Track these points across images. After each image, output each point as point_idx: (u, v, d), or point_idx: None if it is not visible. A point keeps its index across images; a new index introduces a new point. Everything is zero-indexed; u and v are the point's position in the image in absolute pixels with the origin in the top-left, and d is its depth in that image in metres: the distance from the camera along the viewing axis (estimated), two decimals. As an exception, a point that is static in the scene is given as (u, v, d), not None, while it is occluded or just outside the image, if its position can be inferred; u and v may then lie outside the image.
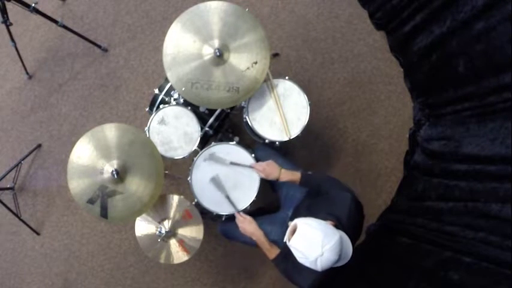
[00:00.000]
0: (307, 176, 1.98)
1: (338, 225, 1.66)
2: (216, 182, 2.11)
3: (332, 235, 1.50)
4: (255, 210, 2.35)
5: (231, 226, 2.24)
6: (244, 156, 2.14)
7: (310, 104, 2.20)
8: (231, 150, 2.15)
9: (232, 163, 2.12)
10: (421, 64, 2.64)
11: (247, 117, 2.18)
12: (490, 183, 2.01)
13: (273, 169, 2.01)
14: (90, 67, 2.99)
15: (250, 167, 2.09)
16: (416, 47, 2.60)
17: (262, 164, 2.06)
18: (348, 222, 1.71)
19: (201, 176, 2.13)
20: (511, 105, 2.00)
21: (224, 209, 2.12)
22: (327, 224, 1.58)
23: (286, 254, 1.78)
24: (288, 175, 1.98)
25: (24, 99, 3.00)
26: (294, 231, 1.55)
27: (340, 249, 1.51)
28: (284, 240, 1.59)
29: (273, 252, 1.90)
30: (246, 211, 2.13)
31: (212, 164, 2.13)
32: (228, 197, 2.10)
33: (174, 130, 2.19)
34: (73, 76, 2.99)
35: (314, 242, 1.48)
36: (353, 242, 1.69)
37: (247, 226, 1.99)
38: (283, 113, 2.18)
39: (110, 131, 1.88)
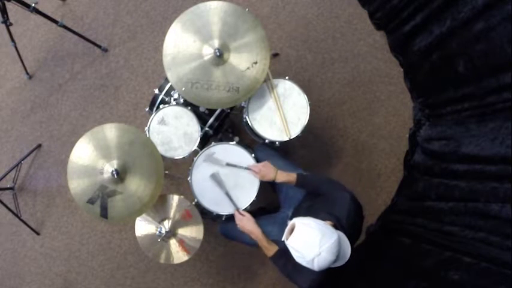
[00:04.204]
0: (303, 177, 1.98)
1: (337, 226, 1.66)
2: (216, 178, 2.10)
3: (330, 235, 1.50)
4: (255, 210, 2.35)
5: (231, 226, 2.24)
6: (244, 156, 2.14)
7: (310, 104, 2.20)
8: (231, 150, 2.15)
9: (228, 164, 2.11)
10: (421, 64, 2.64)
11: (247, 117, 2.18)
12: (490, 183, 2.01)
13: (268, 170, 2.01)
14: (90, 67, 2.99)
15: (247, 168, 2.09)
16: (416, 47, 2.60)
17: (258, 165, 2.05)
18: (348, 222, 1.71)
19: (201, 176, 2.13)
20: (511, 105, 2.00)
21: (224, 209, 2.12)
22: (325, 224, 1.58)
23: (284, 252, 1.78)
24: (284, 176, 1.99)
25: (24, 99, 3.00)
26: (292, 230, 1.55)
27: (338, 249, 1.51)
28: (282, 240, 1.60)
29: (271, 249, 1.89)
30: (246, 211, 2.13)
31: (211, 164, 2.13)
32: (227, 194, 2.09)
33: (174, 130, 2.20)
34: (73, 76, 2.99)
35: (312, 241, 1.48)
36: (352, 242, 1.69)
37: (246, 223, 1.98)
38: (283, 113, 2.18)
39: (110, 131, 1.88)
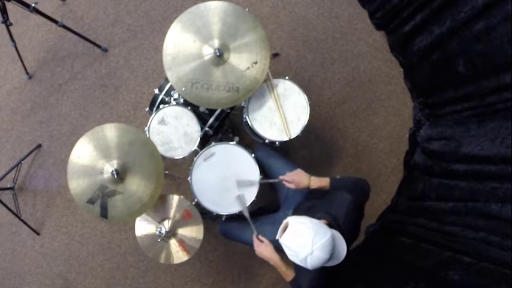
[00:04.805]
0: (336, 181, 1.92)
1: (333, 225, 1.66)
2: (241, 200, 2.07)
3: (323, 234, 1.50)
4: (255, 210, 2.35)
5: (231, 226, 2.24)
6: (244, 156, 2.14)
7: (310, 104, 2.20)
8: (231, 150, 2.15)
9: (261, 181, 2.08)
10: (421, 64, 2.64)
11: (247, 117, 2.18)
12: (490, 183, 2.01)
13: (302, 178, 1.93)
14: (90, 67, 2.99)
15: (280, 180, 2.01)
16: (416, 47, 2.60)
17: (290, 175, 1.97)
18: (345, 222, 1.71)
19: (201, 176, 2.13)
20: (511, 105, 2.00)
21: (224, 209, 2.12)
22: (319, 222, 1.58)
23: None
24: (317, 182, 1.91)
25: (24, 99, 3.00)
26: (285, 228, 1.56)
27: (332, 248, 1.51)
28: (276, 238, 1.60)
29: (289, 275, 1.86)
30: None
31: (212, 164, 2.13)
32: (249, 218, 2.02)
33: (174, 130, 2.20)
34: (73, 76, 2.99)
35: (304, 239, 1.48)
36: (350, 242, 1.69)
37: (264, 250, 1.91)
38: (283, 113, 2.18)
39: (110, 131, 1.88)
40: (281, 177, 1.99)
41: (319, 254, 1.47)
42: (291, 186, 1.96)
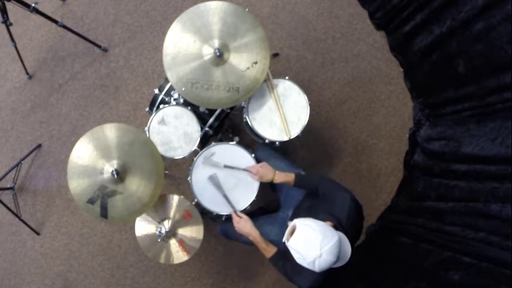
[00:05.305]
0: (302, 177, 1.97)
1: (337, 226, 1.66)
2: (213, 180, 2.10)
3: (331, 236, 1.50)
4: (255, 210, 2.35)
5: (231, 226, 2.24)
6: (244, 156, 2.14)
7: (310, 104, 2.20)
8: (231, 150, 2.15)
9: (226, 166, 2.11)
10: (421, 64, 2.64)
11: (247, 117, 2.18)
12: (490, 183, 2.01)
13: (266, 171, 2.00)
14: (90, 67, 2.99)
15: (245, 170, 2.08)
16: (416, 47, 2.60)
17: (255, 166, 2.04)
18: (348, 223, 1.71)
19: (201, 176, 2.13)
20: (511, 105, 2.00)
21: (224, 209, 2.12)
22: (326, 225, 1.58)
23: (283, 253, 1.78)
24: (282, 177, 1.98)
25: (24, 99, 3.00)
26: (292, 231, 1.55)
27: (339, 250, 1.51)
28: (283, 241, 1.60)
29: (269, 251, 1.90)
30: (246, 211, 2.13)
31: (210, 166, 2.13)
32: (225, 196, 2.09)
33: (174, 130, 2.20)
34: (73, 76, 2.99)
35: (312, 243, 1.48)
36: (352, 243, 1.69)
37: (244, 225, 1.97)
38: (283, 113, 2.18)
39: (110, 131, 1.88)
40: (246, 167, 2.07)
41: (327, 257, 1.47)
42: (255, 178, 2.04)
